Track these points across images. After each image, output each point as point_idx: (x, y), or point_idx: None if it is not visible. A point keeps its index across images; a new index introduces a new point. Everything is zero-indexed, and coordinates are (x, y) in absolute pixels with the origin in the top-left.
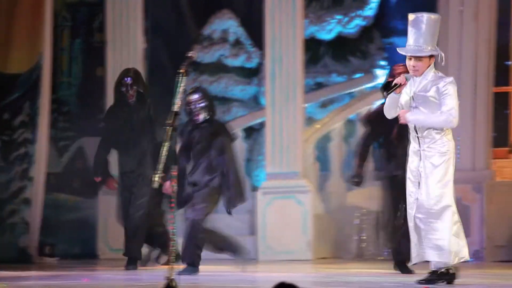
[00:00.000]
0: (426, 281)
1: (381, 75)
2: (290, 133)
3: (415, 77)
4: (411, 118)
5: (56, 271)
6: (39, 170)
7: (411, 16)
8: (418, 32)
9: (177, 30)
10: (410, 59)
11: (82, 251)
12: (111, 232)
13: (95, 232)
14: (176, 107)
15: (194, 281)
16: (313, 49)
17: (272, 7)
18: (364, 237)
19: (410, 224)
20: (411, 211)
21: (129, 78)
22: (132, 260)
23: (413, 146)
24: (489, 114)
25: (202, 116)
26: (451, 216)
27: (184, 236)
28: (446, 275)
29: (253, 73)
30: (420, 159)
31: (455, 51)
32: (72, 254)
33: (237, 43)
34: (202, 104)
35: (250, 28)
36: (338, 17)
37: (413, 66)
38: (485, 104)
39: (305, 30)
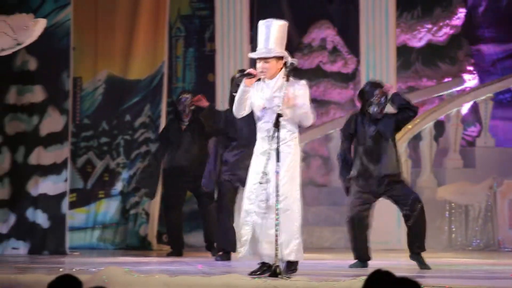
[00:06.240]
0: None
1: (468, 79)
2: None
3: (266, 81)
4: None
5: (173, 258)
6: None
7: (260, 23)
8: (265, 36)
9: None
10: (259, 62)
11: None
12: None
13: None
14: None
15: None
16: (405, 56)
17: (367, 18)
18: (454, 229)
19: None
20: (252, 206)
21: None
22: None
23: (260, 147)
24: None
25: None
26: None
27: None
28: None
29: (349, 78)
30: (269, 159)
31: None
32: None
33: (335, 50)
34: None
35: (346, 37)
36: (428, 26)
37: (262, 69)
38: None
39: (397, 38)
